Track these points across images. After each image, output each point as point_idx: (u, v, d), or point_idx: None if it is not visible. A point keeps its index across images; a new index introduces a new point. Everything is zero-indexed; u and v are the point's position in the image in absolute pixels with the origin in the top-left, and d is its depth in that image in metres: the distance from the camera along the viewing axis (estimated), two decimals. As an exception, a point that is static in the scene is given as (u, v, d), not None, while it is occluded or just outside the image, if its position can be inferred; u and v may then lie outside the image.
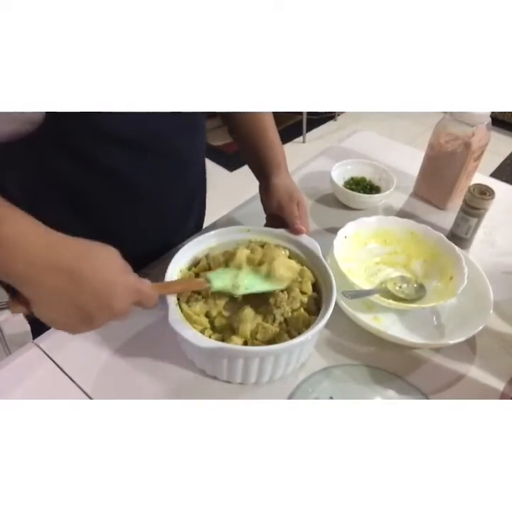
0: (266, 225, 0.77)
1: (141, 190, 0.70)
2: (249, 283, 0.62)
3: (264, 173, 0.77)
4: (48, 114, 0.53)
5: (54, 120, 0.53)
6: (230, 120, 0.82)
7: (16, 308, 0.48)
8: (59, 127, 0.55)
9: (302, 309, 0.63)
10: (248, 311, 0.61)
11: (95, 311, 0.47)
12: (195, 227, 0.89)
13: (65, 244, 0.47)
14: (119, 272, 0.50)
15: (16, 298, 0.47)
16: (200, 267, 0.68)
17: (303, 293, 0.65)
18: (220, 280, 0.61)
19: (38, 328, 0.68)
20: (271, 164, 0.77)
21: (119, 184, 0.66)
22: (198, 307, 0.62)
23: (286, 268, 0.64)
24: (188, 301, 0.63)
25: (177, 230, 0.83)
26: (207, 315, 0.62)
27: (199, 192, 0.88)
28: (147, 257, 0.78)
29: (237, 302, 0.63)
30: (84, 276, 0.46)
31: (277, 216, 0.73)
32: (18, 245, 0.44)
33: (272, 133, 0.79)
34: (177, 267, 0.64)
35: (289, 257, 0.69)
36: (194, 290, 0.62)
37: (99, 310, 0.48)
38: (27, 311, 0.47)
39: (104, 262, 0.49)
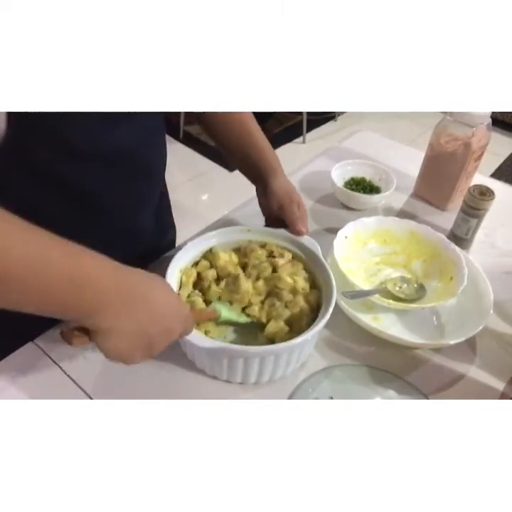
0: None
1: (109, 207, 0.66)
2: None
3: (260, 178, 0.77)
4: (10, 121, 0.49)
5: (16, 129, 0.50)
6: (210, 126, 0.79)
7: (78, 341, 0.47)
8: (20, 138, 0.52)
9: (303, 306, 0.63)
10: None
11: (158, 338, 0.49)
12: (168, 244, 0.87)
13: (131, 271, 0.48)
14: (176, 300, 0.52)
15: (75, 330, 0.46)
16: (200, 267, 0.68)
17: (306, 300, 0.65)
18: (227, 310, 0.62)
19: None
20: (266, 169, 0.76)
21: (82, 200, 0.62)
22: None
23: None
24: (189, 296, 0.63)
25: (150, 250, 0.79)
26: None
27: (163, 205, 0.86)
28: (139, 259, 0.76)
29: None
30: (157, 301, 0.48)
31: (277, 218, 0.73)
32: (95, 281, 0.43)
33: (259, 136, 0.78)
34: (177, 266, 0.64)
35: (292, 258, 0.70)
36: (206, 319, 0.62)
37: (162, 336, 0.49)
38: (87, 342, 0.47)
39: (166, 288, 0.51)
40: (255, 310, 0.64)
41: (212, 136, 0.81)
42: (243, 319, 0.64)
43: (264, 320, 0.63)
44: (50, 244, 0.41)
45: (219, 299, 0.65)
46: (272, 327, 0.62)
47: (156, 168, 0.73)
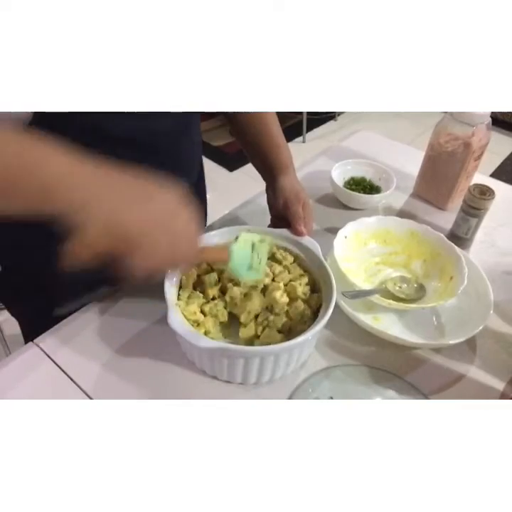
0: (270, 226, 0.77)
1: None
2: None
3: (271, 174, 0.78)
4: (37, 113, 0.51)
5: (46, 119, 0.51)
6: (233, 121, 0.82)
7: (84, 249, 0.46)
8: (52, 126, 0.52)
9: (302, 306, 0.63)
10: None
11: (177, 228, 0.50)
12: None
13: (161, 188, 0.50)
14: (190, 214, 0.53)
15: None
16: (201, 270, 0.68)
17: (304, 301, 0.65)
18: (238, 259, 0.61)
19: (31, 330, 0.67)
20: (278, 166, 0.77)
21: None
22: (195, 305, 0.62)
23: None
24: (189, 297, 0.63)
25: None
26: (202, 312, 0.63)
27: (199, 191, 0.88)
28: None
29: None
30: (182, 213, 0.50)
31: (282, 217, 0.73)
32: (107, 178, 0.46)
33: (277, 134, 0.79)
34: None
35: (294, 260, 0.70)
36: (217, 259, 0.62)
37: (180, 227, 0.50)
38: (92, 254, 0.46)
39: (178, 200, 0.52)
40: (251, 327, 0.63)
41: (233, 129, 0.83)
42: (253, 275, 0.62)
43: (258, 332, 0.63)
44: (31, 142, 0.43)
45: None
46: (265, 337, 0.62)
47: (187, 158, 0.75)
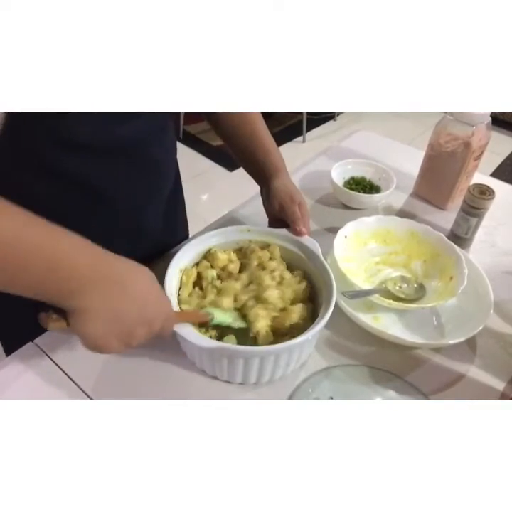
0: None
1: (115, 201, 0.66)
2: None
3: (264, 178, 0.77)
4: (8, 117, 0.49)
5: (15, 125, 0.50)
6: (218, 126, 0.80)
7: (55, 325, 0.47)
8: (20, 133, 0.51)
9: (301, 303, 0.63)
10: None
11: (136, 327, 0.48)
12: (178, 240, 0.85)
13: (114, 258, 0.48)
14: (158, 292, 0.52)
15: (54, 314, 0.47)
16: (201, 267, 0.68)
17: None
18: (221, 314, 0.61)
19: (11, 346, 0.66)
20: (270, 170, 0.77)
21: (89, 196, 0.62)
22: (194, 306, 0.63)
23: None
24: (189, 295, 0.63)
25: (158, 248, 0.79)
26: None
27: (176, 199, 0.85)
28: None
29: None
30: (136, 290, 0.48)
31: (279, 219, 0.73)
32: (73, 262, 0.44)
33: (266, 137, 0.78)
34: (177, 266, 0.64)
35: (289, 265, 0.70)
36: (198, 322, 0.61)
37: (140, 326, 0.49)
38: (64, 327, 0.47)
39: (147, 279, 0.51)
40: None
41: (220, 135, 0.81)
42: (238, 324, 0.62)
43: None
44: (27, 222, 0.42)
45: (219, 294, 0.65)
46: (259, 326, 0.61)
47: (164, 163, 0.73)
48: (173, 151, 0.76)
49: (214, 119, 0.80)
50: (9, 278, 0.42)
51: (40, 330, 0.65)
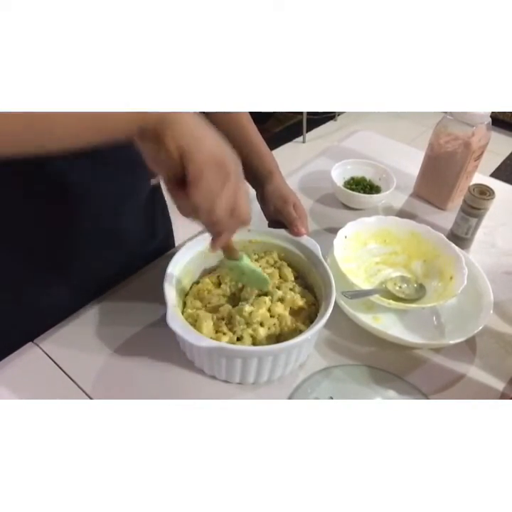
0: None
1: (90, 203, 0.64)
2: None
3: (257, 183, 0.77)
4: None
5: None
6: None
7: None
8: None
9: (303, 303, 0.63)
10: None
11: (230, 166, 0.47)
12: (161, 247, 0.83)
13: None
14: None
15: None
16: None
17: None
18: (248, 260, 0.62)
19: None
20: (262, 174, 0.76)
21: (64, 198, 0.60)
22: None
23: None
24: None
25: (138, 252, 0.77)
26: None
27: (153, 204, 0.82)
28: (108, 279, 0.73)
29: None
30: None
31: (278, 221, 0.73)
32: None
33: (257, 140, 0.77)
34: (177, 266, 0.64)
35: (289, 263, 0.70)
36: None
37: (232, 167, 0.48)
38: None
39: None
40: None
41: None
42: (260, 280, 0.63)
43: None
44: None
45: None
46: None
47: (140, 162, 0.71)
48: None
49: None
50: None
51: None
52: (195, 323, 0.61)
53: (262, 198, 0.76)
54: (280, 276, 0.69)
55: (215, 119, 0.76)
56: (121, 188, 0.67)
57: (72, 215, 0.63)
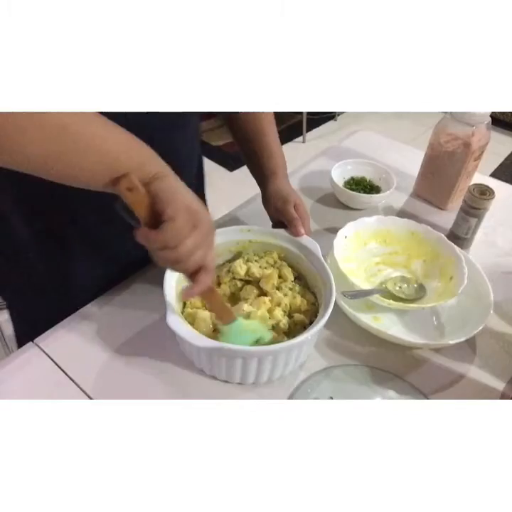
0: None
1: None
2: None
3: (262, 181, 0.78)
4: None
5: None
6: (232, 127, 0.81)
7: (131, 194, 0.46)
8: None
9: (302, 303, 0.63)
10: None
11: (203, 218, 0.50)
12: None
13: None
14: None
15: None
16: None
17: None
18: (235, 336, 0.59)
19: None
20: (267, 173, 0.77)
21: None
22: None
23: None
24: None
25: None
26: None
27: (198, 190, 0.87)
28: (136, 264, 0.75)
29: None
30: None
31: (281, 222, 0.73)
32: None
33: (272, 140, 0.78)
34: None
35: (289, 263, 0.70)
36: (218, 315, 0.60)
37: (204, 217, 0.50)
38: (142, 194, 0.47)
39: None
40: None
41: (231, 133, 0.82)
42: (259, 336, 0.60)
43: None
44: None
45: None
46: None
47: (181, 149, 0.72)
48: (194, 147, 0.77)
49: (227, 117, 0.81)
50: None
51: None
52: (194, 322, 0.61)
53: (264, 197, 0.77)
54: (280, 276, 0.69)
55: (237, 114, 0.77)
56: None
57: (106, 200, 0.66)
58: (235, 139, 0.82)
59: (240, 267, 0.67)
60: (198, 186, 0.86)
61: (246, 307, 0.62)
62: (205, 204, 0.92)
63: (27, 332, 0.69)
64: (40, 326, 0.67)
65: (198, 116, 0.75)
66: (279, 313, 0.63)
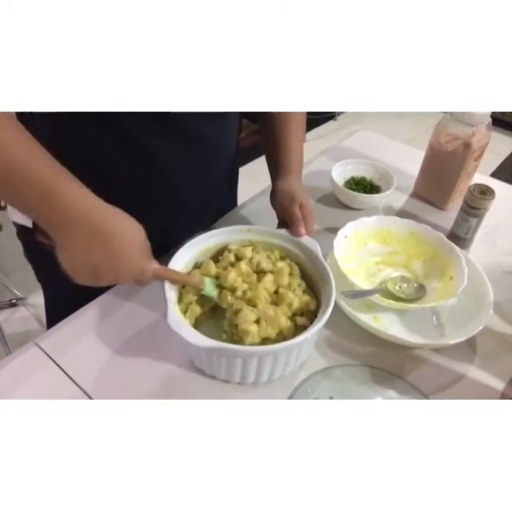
0: (278, 227, 0.77)
1: (165, 169, 0.71)
2: None
3: (274, 175, 0.78)
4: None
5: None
6: (265, 123, 0.82)
7: (45, 239, 0.52)
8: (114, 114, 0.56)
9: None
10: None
11: (105, 274, 0.53)
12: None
13: (102, 204, 0.52)
14: (140, 247, 0.55)
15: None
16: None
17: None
18: (212, 288, 0.63)
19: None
20: (280, 169, 0.77)
21: (145, 161, 0.68)
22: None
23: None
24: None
25: (193, 222, 0.81)
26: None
27: (230, 179, 0.89)
28: (161, 247, 0.76)
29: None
30: (111, 240, 0.51)
31: (285, 220, 0.73)
32: (62, 199, 0.49)
33: (293, 137, 0.80)
34: (177, 266, 0.64)
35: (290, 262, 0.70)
36: (184, 283, 0.63)
37: (109, 275, 0.53)
38: (50, 243, 0.52)
39: (131, 232, 0.54)
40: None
41: (261, 124, 0.84)
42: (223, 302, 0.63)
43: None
44: (37, 154, 0.49)
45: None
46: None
47: (219, 141, 0.76)
48: (232, 138, 0.80)
49: (265, 115, 0.83)
50: (12, 196, 0.50)
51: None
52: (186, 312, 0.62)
53: (272, 192, 0.77)
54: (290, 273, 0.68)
55: (274, 116, 0.79)
56: (194, 158, 0.74)
57: (144, 174, 0.71)
58: (262, 128, 0.84)
59: (248, 252, 0.68)
60: (231, 175, 0.88)
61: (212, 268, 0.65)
62: (235, 192, 0.96)
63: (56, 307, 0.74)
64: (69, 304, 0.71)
65: (235, 113, 0.78)
66: (283, 319, 0.61)
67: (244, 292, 0.63)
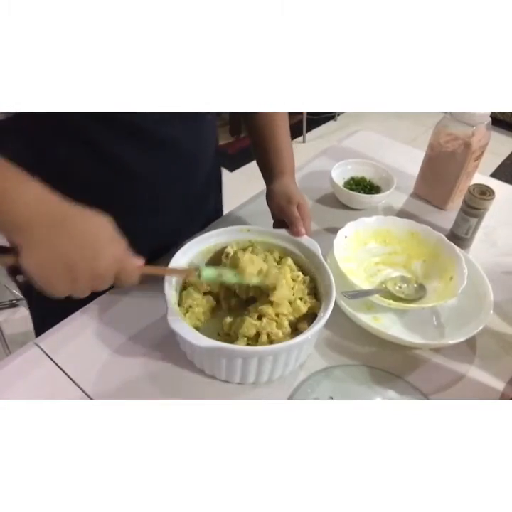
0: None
1: (142, 180, 0.70)
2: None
3: (268, 178, 0.78)
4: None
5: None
6: (246, 120, 0.82)
7: (2, 260, 0.48)
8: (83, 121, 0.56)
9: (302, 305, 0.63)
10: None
11: (79, 266, 0.48)
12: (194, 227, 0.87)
13: (61, 200, 0.48)
14: (110, 237, 0.51)
15: (5, 250, 0.48)
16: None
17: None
18: (212, 271, 0.60)
19: (41, 327, 0.68)
20: (274, 171, 0.77)
21: (120, 172, 0.67)
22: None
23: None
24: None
25: (180, 231, 0.80)
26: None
27: (208, 195, 0.87)
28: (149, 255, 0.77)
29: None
30: (76, 229, 0.48)
31: (282, 220, 0.73)
32: (15, 196, 0.46)
33: (282, 139, 0.79)
34: (176, 265, 0.64)
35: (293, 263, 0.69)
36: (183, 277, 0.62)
37: (83, 267, 0.48)
38: (15, 262, 0.47)
39: (97, 223, 0.50)
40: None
41: (246, 129, 0.84)
42: (229, 277, 0.61)
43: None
44: None
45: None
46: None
47: (194, 149, 0.75)
48: (209, 146, 0.80)
49: (242, 113, 0.82)
50: None
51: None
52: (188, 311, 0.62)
53: (268, 194, 0.77)
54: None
55: (252, 113, 0.79)
56: (168, 168, 0.73)
57: (121, 187, 0.70)
58: (248, 134, 0.84)
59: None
60: (211, 178, 0.87)
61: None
62: (220, 197, 0.96)
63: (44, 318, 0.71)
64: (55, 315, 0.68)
65: (213, 120, 0.78)
66: (285, 321, 0.62)
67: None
